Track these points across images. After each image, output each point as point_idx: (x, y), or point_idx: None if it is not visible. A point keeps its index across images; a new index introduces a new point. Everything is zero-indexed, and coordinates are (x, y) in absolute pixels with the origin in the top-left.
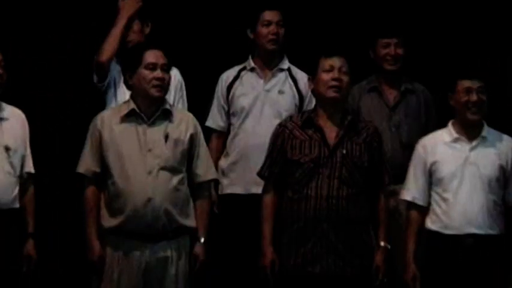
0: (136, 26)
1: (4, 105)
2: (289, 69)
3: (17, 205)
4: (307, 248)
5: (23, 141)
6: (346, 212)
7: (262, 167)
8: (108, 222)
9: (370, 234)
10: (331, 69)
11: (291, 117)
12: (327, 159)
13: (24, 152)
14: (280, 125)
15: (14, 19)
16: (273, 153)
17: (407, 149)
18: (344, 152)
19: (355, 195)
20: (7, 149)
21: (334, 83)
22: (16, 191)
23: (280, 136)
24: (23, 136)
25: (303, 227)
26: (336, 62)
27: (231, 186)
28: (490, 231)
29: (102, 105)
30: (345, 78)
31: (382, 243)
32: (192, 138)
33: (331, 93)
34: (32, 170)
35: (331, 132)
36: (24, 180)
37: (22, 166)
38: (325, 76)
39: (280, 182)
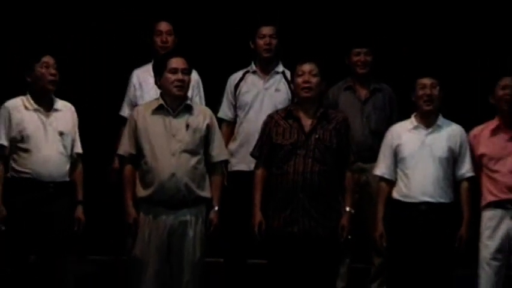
0: (168, 38)
1: (57, 99)
2: (283, 72)
3: (68, 178)
4: (287, 213)
5: (72, 127)
6: (318, 184)
7: (254, 149)
8: (141, 193)
9: (338, 202)
10: (302, 73)
11: (277, 110)
12: (303, 143)
13: (73, 136)
14: (269, 116)
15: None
16: (262, 137)
17: (375, 134)
18: (317, 136)
19: (326, 171)
20: (61, 133)
21: (304, 85)
22: (67, 167)
23: (268, 125)
24: (73, 123)
25: (284, 196)
26: (306, 67)
27: (238, 165)
28: (441, 200)
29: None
30: (314, 80)
31: (347, 209)
32: (208, 127)
33: (303, 94)
34: (80, 151)
35: (306, 121)
36: (74, 159)
37: (72, 147)
38: (299, 80)
39: (268, 161)
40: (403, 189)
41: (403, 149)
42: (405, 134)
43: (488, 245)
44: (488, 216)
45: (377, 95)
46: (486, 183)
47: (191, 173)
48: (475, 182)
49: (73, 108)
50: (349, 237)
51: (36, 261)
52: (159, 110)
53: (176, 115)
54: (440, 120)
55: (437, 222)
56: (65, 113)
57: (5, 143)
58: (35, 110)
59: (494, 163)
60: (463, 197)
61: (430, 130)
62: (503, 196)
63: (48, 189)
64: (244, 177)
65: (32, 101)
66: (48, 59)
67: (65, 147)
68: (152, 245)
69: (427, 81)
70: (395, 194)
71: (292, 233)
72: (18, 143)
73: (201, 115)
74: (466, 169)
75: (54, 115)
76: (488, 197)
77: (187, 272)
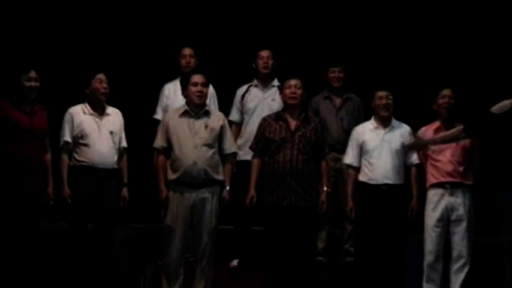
0: (191, 60)
1: (108, 106)
2: (278, 86)
3: (116, 166)
4: (279, 191)
5: (120, 127)
6: (301, 170)
7: (252, 143)
8: (171, 176)
9: (317, 183)
10: (289, 86)
11: (269, 114)
12: (290, 138)
13: (120, 134)
14: (263, 118)
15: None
16: (258, 134)
17: (347, 133)
18: (300, 134)
19: (307, 160)
20: (111, 132)
21: (291, 95)
22: (116, 158)
23: (263, 125)
24: (120, 124)
25: (276, 179)
26: (292, 82)
27: (244, 155)
28: (396, 182)
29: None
30: (298, 92)
31: (324, 188)
32: (222, 127)
33: (290, 101)
34: (125, 145)
35: (292, 122)
36: (120, 151)
37: (119, 143)
38: (287, 91)
39: (263, 152)
40: (368, 174)
41: (368, 144)
42: (368, 132)
43: (432, 215)
44: (432, 194)
45: (348, 103)
46: (430, 170)
47: (208, 161)
48: (420, 168)
49: (120, 113)
50: (328, 209)
51: (92, 228)
52: (185, 114)
53: (197, 118)
54: (394, 122)
55: (394, 198)
56: (114, 117)
57: (69, 139)
58: (91, 114)
59: (436, 154)
60: (412, 178)
61: (387, 130)
62: (443, 179)
63: (101, 174)
64: (249, 165)
65: (89, 108)
66: (101, 76)
67: (114, 142)
68: (179, 215)
69: (383, 93)
70: (362, 178)
71: (282, 206)
72: (78, 140)
73: (216, 118)
74: (413, 158)
75: (105, 118)
76: (432, 180)
77: (206, 236)
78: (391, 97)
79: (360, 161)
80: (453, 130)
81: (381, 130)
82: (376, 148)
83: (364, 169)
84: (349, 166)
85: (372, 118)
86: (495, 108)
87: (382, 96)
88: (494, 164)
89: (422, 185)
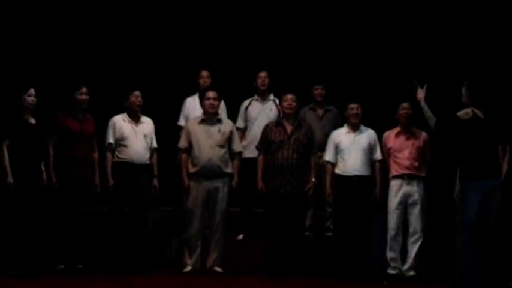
0: (207, 80)
1: (142, 115)
2: (274, 100)
3: (148, 162)
4: (277, 182)
5: (151, 132)
6: (296, 165)
7: (258, 143)
8: (191, 170)
9: (306, 175)
10: (286, 100)
11: (272, 121)
12: (287, 141)
13: (152, 137)
14: (266, 125)
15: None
16: (262, 137)
17: (328, 136)
18: (295, 137)
19: (299, 157)
20: (144, 135)
21: (288, 106)
22: (148, 155)
23: (266, 130)
24: (151, 129)
25: (275, 172)
26: (288, 96)
27: (248, 154)
28: (364, 174)
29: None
30: (294, 104)
31: (312, 179)
32: (231, 132)
33: (287, 111)
34: (156, 145)
35: (288, 128)
36: (152, 150)
37: (151, 144)
38: (284, 103)
39: (266, 151)
40: (342, 168)
41: (342, 145)
42: (342, 136)
43: (394, 200)
44: (394, 183)
45: (328, 113)
46: (392, 164)
47: (221, 158)
48: (382, 163)
49: (151, 121)
50: (313, 195)
51: (130, 211)
52: (202, 121)
53: (212, 124)
54: (362, 127)
55: (363, 187)
56: (147, 124)
57: (112, 141)
58: (129, 122)
59: (397, 153)
60: (376, 171)
61: (356, 133)
62: (402, 172)
63: (137, 168)
64: (252, 161)
65: (127, 117)
66: (137, 92)
67: (146, 143)
68: (198, 200)
69: (353, 105)
70: (337, 171)
71: (280, 193)
72: (119, 142)
73: (227, 124)
74: (377, 154)
75: (140, 125)
76: (393, 172)
77: (218, 216)
78: (360, 108)
79: (336, 158)
80: (432, 116)
81: (352, 134)
82: (348, 148)
83: (339, 164)
84: (328, 162)
85: (345, 125)
86: (460, 113)
87: (353, 107)
88: (454, 160)
89: (384, 176)
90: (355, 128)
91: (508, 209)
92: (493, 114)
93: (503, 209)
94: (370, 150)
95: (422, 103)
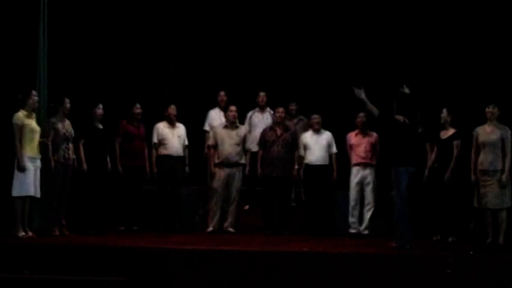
0: (224, 98)
1: (177, 122)
2: (270, 111)
3: (182, 155)
4: (270, 168)
5: (184, 133)
6: (284, 157)
7: (258, 142)
8: (216, 160)
9: (292, 163)
10: (278, 112)
11: (267, 126)
12: (277, 140)
13: (184, 137)
14: (263, 129)
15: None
16: (260, 138)
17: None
18: (283, 138)
19: (286, 152)
20: (179, 136)
21: (278, 116)
22: (181, 149)
23: (263, 132)
24: (184, 132)
25: (269, 162)
26: (280, 109)
27: (253, 148)
28: (325, 163)
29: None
30: (283, 115)
31: (296, 166)
32: (245, 135)
33: (278, 119)
34: (187, 143)
35: (278, 131)
36: (184, 146)
37: (184, 142)
38: (277, 114)
39: (263, 147)
40: (308, 158)
41: (309, 144)
42: (308, 137)
43: (353, 180)
44: (354, 169)
45: (300, 122)
46: (353, 155)
47: (238, 153)
48: (337, 155)
49: (183, 126)
50: (295, 178)
51: (170, 189)
52: (225, 127)
53: (232, 129)
54: (322, 130)
55: (324, 172)
56: (181, 128)
57: (156, 141)
58: (168, 127)
59: (356, 147)
60: (333, 161)
61: (318, 134)
62: (360, 161)
63: (174, 159)
64: (255, 154)
65: (166, 123)
66: (173, 106)
67: (180, 142)
68: (220, 182)
69: (316, 116)
70: (306, 161)
71: (272, 176)
72: (161, 141)
73: (242, 129)
74: (333, 149)
75: (176, 129)
76: (353, 161)
77: (234, 193)
78: (320, 118)
79: (305, 152)
80: (375, 110)
81: (315, 135)
82: (312, 145)
83: (308, 157)
84: (299, 156)
85: (310, 129)
86: (397, 116)
87: (315, 117)
88: (390, 151)
89: (339, 164)
90: (317, 132)
91: (429, 187)
92: (413, 121)
93: (418, 186)
94: (329, 146)
95: (363, 98)
